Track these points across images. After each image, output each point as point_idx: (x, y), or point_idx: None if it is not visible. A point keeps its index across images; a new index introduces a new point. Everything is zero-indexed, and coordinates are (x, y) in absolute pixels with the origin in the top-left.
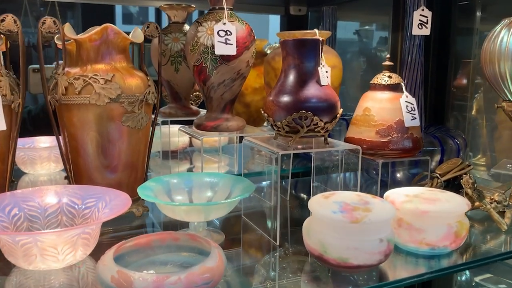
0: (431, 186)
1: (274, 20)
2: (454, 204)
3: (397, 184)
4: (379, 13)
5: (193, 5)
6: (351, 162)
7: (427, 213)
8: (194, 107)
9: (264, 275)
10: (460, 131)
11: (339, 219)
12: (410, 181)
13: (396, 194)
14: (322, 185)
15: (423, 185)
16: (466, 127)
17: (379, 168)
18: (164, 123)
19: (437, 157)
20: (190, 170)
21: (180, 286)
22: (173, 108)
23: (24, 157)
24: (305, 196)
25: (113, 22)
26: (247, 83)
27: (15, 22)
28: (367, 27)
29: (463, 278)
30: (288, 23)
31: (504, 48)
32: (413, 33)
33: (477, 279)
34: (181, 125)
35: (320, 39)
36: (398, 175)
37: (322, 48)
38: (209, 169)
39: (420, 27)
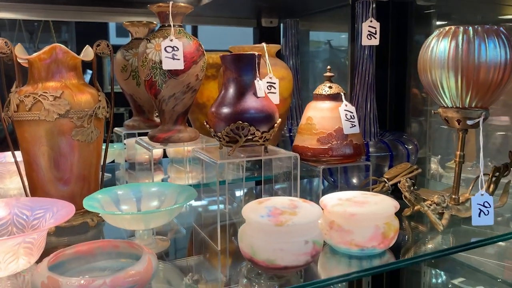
0: (379, 190)
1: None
2: (382, 206)
3: (350, 188)
4: (343, 23)
5: (154, 22)
6: (304, 168)
7: (354, 216)
8: (158, 120)
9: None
10: (413, 137)
11: (265, 223)
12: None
13: (330, 198)
14: (282, 191)
15: (370, 190)
16: (428, 131)
17: (320, 174)
18: (130, 135)
19: (388, 163)
20: (165, 180)
21: None
22: (137, 121)
23: None
24: None
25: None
26: (209, 94)
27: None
28: (337, 36)
29: (433, 280)
30: (261, 35)
31: (434, 57)
32: (363, 43)
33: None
34: (139, 137)
35: (256, 54)
36: (354, 180)
37: (259, 62)
38: (178, 179)
39: (369, 37)
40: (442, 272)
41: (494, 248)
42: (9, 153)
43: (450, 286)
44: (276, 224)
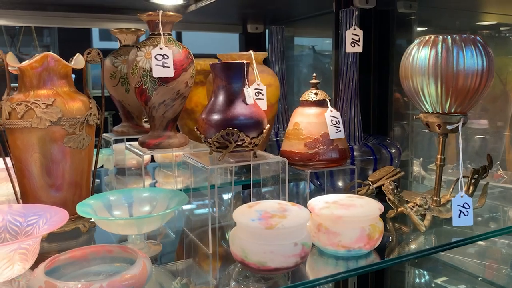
0: (363, 193)
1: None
2: (367, 209)
3: (336, 190)
4: (327, 29)
5: (142, 29)
6: (291, 172)
7: (341, 218)
8: (146, 125)
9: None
10: (395, 141)
11: (256, 226)
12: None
13: (317, 201)
14: (269, 195)
15: (355, 192)
16: (410, 134)
17: (307, 178)
18: (118, 141)
19: (372, 166)
20: (152, 185)
21: None
22: (126, 126)
23: None
24: None
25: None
26: (197, 100)
27: None
28: (321, 42)
29: (417, 280)
30: (246, 41)
31: (415, 64)
32: (347, 51)
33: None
34: (129, 143)
35: (245, 62)
36: (339, 183)
37: (247, 70)
38: (166, 184)
39: (353, 45)
40: (426, 272)
41: (475, 248)
42: None
43: (433, 285)
44: (266, 227)
